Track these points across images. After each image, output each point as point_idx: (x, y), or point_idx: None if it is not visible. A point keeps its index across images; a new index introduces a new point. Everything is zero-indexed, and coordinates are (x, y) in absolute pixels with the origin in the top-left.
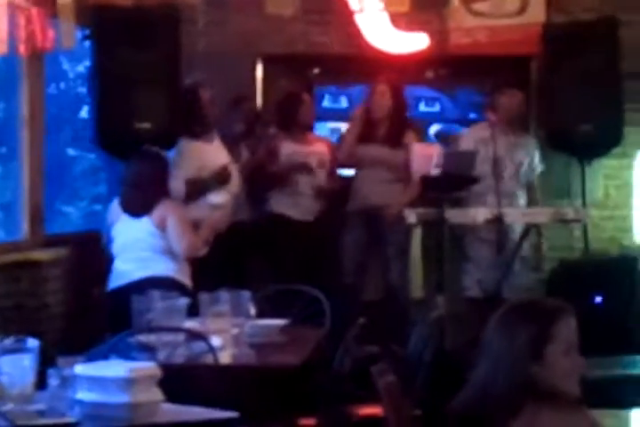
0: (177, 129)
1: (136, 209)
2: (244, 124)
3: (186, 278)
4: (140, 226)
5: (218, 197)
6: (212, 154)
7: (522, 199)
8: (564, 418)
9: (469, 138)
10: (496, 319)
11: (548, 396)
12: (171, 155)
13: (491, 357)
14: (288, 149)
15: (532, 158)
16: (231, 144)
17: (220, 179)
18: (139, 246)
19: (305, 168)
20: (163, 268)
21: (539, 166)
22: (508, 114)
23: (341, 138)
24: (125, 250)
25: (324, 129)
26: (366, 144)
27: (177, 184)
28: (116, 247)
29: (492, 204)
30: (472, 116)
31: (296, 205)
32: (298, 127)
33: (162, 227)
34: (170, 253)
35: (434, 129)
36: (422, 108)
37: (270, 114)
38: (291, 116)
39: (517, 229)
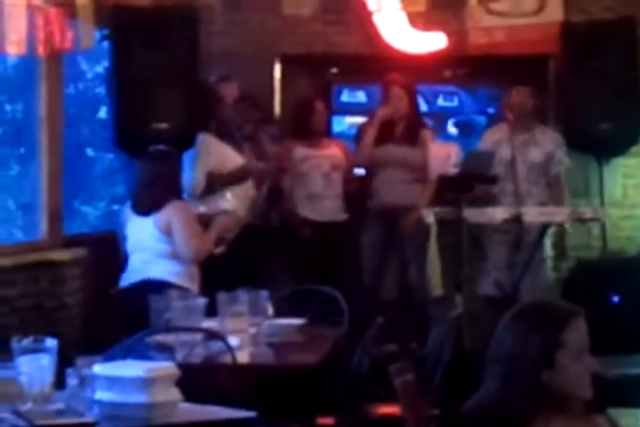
0: (194, 129)
1: (144, 208)
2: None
3: (188, 282)
4: (143, 228)
5: (227, 203)
6: (231, 153)
7: (537, 199)
8: (575, 425)
9: (487, 140)
10: (505, 324)
11: (560, 402)
12: (191, 151)
13: (502, 363)
14: (300, 154)
15: (551, 155)
16: (235, 144)
17: (240, 177)
18: (142, 248)
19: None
20: (161, 271)
21: (562, 162)
22: (521, 110)
23: (358, 140)
24: (134, 250)
25: (342, 124)
26: (383, 145)
27: (198, 176)
28: (129, 247)
29: (507, 205)
30: (490, 110)
31: (313, 206)
32: (310, 134)
33: (165, 229)
34: (171, 256)
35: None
36: (441, 102)
37: (287, 115)
38: (303, 124)
39: (535, 229)
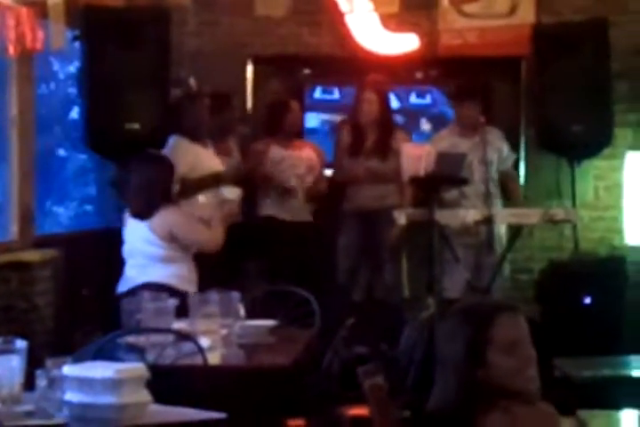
0: (167, 130)
1: (138, 213)
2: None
3: (186, 284)
4: (138, 232)
5: (231, 192)
6: (206, 158)
7: (497, 198)
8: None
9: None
10: (441, 326)
11: (501, 397)
12: (164, 151)
13: (440, 363)
14: (277, 155)
15: (500, 152)
16: (219, 140)
17: (214, 183)
18: (137, 253)
19: (290, 193)
20: (159, 274)
21: (510, 156)
22: (468, 122)
23: (336, 144)
24: (130, 255)
25: (315, 120)
26: (356, 158)
27: None
28: (125, 251)
29: (469, 207)
30: None
31: (286, 207)
32: (285, 134)
33: (162, 234)
34: (168, 259)
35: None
36: (413, 99)
37: (259, 115)
38: (277, 123)
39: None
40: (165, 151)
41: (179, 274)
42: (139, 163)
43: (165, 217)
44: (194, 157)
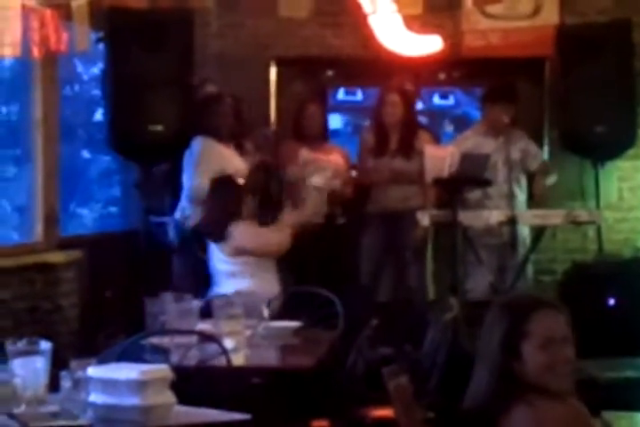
0: (190, 131)
1: (212, 237)
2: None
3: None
4: (213, 252)
5: (319, 179)
6: (230, 158)
7: (521, 198)
8: (558, 409)
9: (456, 150)
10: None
11: (535, 390)
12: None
13: (479, 356)
14: (305, 157)
15: (525, 153)
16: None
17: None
18: (213, 269)
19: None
20: (225, 289)
21: (538, 155)
22: (497, 123)
23: (360, 151)
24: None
25: (338, 121)
26: (380, 159)
27: (202, 181)
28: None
29: (493, 207)
30: None
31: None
32: (310, 137)
33: (227, 250)
34: (232, 274)
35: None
36: (436, 100)
37: (282, 117)
38: (298, 126)
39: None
40: (193, 151)
41: (240, 288)
42: (211, 188)
43: (236, 234)
44: (222, 157)
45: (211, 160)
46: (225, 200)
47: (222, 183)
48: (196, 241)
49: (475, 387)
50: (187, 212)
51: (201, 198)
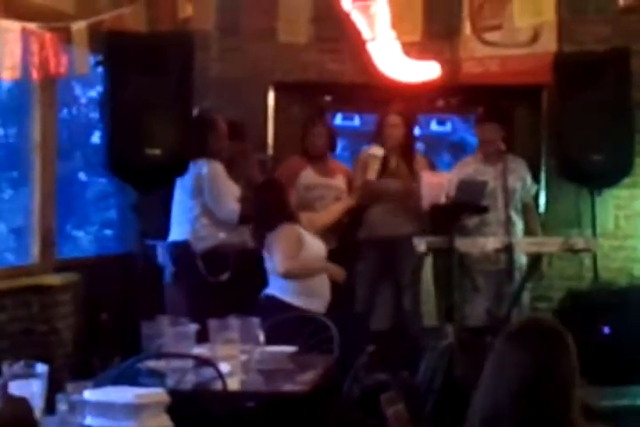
0: (188, 155)
1: (256, 240)
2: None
3: (289, 296)
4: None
5: (376, 149)
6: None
7: (519, 226)
8: None
9: (459, 174)
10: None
11: None
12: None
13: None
14: (308, 179)
15: (524, 181)
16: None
17: None
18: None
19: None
20: (271, 285)
21: (533, 187)
22: (490, 147)
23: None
24: None
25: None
26: (379, 180)
27: (233, 205)
28: None
29: (491, 234)
30: None
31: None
32: (313, 156)
33: (267, 249)
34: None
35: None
36: (434, 127)
37: (279, 142)
38: (303, 146)
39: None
40: (209, 176)
41: (282, 285)
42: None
43: (276, 234)
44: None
45: (227, 183)
46: (272, 201)
47: (269, 185)
48: (206, 264)
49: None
50: (201, 233)
51: (235, 223)
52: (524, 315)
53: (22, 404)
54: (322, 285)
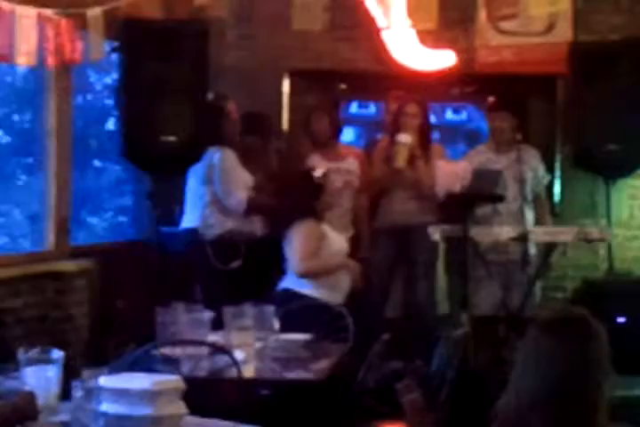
0: (203, 143)
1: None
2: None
3: (308, 288)
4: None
5: (405, 137)
6: (244, 173)
7: (530, 216)
8: None
9: (468, 164)
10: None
11: None
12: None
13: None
14: (313, 164)
15: (535, 171)
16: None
17: None
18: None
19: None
20: (288, 280)
21: (545, 177)
22: (501, 134)
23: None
24: None
25: (351, 134)
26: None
27: (241, 193)
28: None
29: (502, 224)
30: None
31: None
32: (319, 142)
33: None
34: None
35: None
36: (449, 115)
37: (294, 129)
38: (308, 133)
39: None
40: (220, 164)
41: (299, 279)
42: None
43: (294, 230)
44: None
45: (237, 172)
46: (307, 192)
47: (305, 178)
48: (216, 251)
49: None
50: (209, 220)
51: (241, 212)
52: (536, 304)
53: (26, 396)
54: (341, 279)
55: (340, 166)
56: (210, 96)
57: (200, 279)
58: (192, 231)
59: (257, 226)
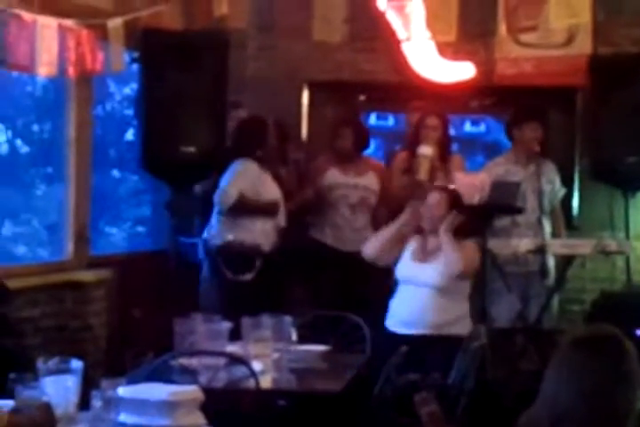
0: (222, 153)
1: None
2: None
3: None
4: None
5: (426, 149)
6: (267, 184)
7: (547, 229)
8: None
9: (487, 176)
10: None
11: None
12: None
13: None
14: (331, 179)
15: (553, 184)
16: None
17: (269, 211)
18: None
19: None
20: None
21: (560, 191)
22: (528, 146)
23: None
24: None
25: (369, 146)
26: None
27: (231, 190)
28: None
29: (520, 236)
30: None
31: (336, 235)
32: (339, 155)
33: None
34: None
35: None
36: (468, 127)
37: (313, 141)
38: (331, 147)
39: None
40: (232, 169)
41: None
42: None
43: None
44: (258, 181)
45: (246, 178)
46: None
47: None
48: (224, 261)
49: None
50: (212, 230)
51: (225, 205)
52: (554, 317)
53: (42, 407)
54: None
55: (357, 182)
56: (242, 113)
57: (217, 289)
58: (204, 241)
59: (264, 240)
